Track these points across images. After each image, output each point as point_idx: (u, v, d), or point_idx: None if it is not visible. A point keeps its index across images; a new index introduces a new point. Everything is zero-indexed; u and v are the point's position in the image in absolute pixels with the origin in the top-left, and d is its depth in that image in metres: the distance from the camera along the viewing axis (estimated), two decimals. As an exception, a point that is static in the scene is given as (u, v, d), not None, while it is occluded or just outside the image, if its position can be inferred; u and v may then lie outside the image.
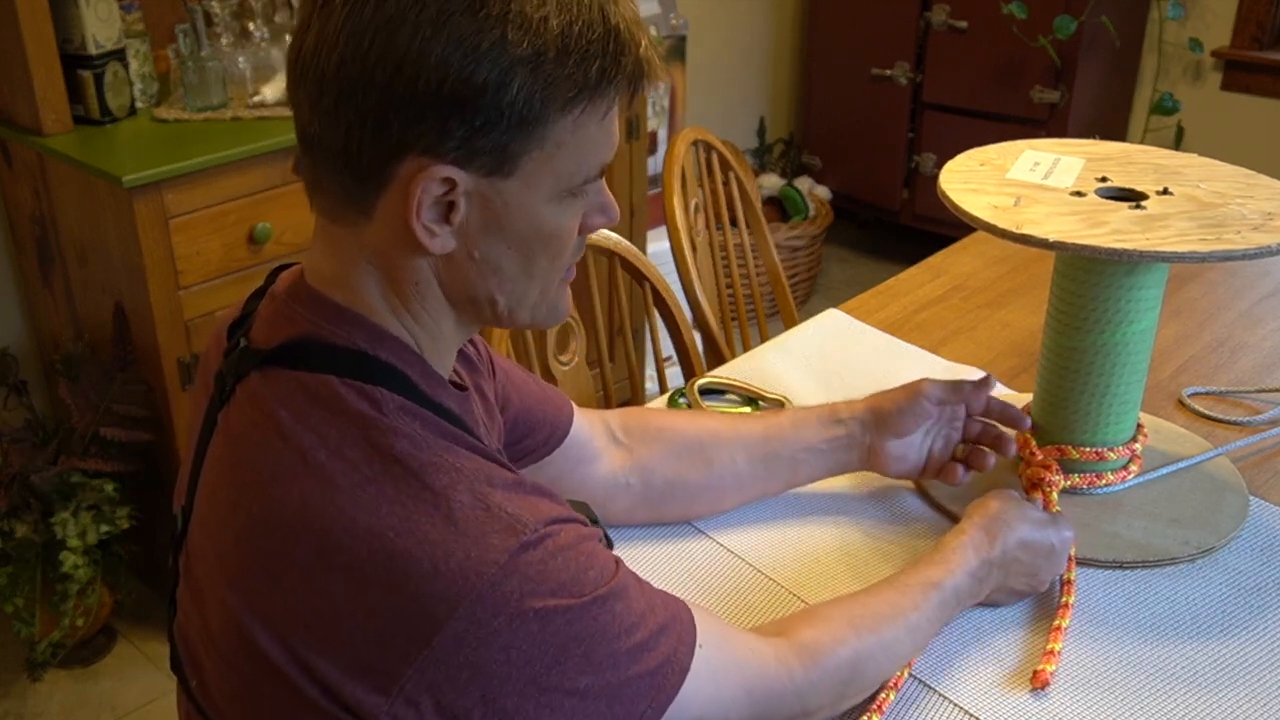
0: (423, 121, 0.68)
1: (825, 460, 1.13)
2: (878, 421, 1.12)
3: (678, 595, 0.80)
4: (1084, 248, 1.01)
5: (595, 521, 0.83)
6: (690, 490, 1.11)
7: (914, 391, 1.12)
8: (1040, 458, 1.13)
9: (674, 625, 0.76)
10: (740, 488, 1.13)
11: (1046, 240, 1.02)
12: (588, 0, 0.70)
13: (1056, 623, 1.01)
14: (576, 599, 0.70)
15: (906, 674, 0.95)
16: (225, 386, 0.77)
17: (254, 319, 0.79)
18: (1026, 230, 1.03)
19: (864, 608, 0.91)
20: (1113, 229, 1.03)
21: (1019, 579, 1.02)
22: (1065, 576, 1.05)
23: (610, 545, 0.83)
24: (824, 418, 1.13)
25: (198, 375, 0.87)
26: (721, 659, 0.79)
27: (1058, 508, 1.09)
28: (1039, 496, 1.09)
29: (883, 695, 0.92)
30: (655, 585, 0.79)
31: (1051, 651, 0.97)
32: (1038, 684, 0.94)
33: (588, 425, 1.07)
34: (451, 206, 0.72)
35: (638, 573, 0.77)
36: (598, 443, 1.08)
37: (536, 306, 0.79)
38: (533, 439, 1.02)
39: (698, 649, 0.76)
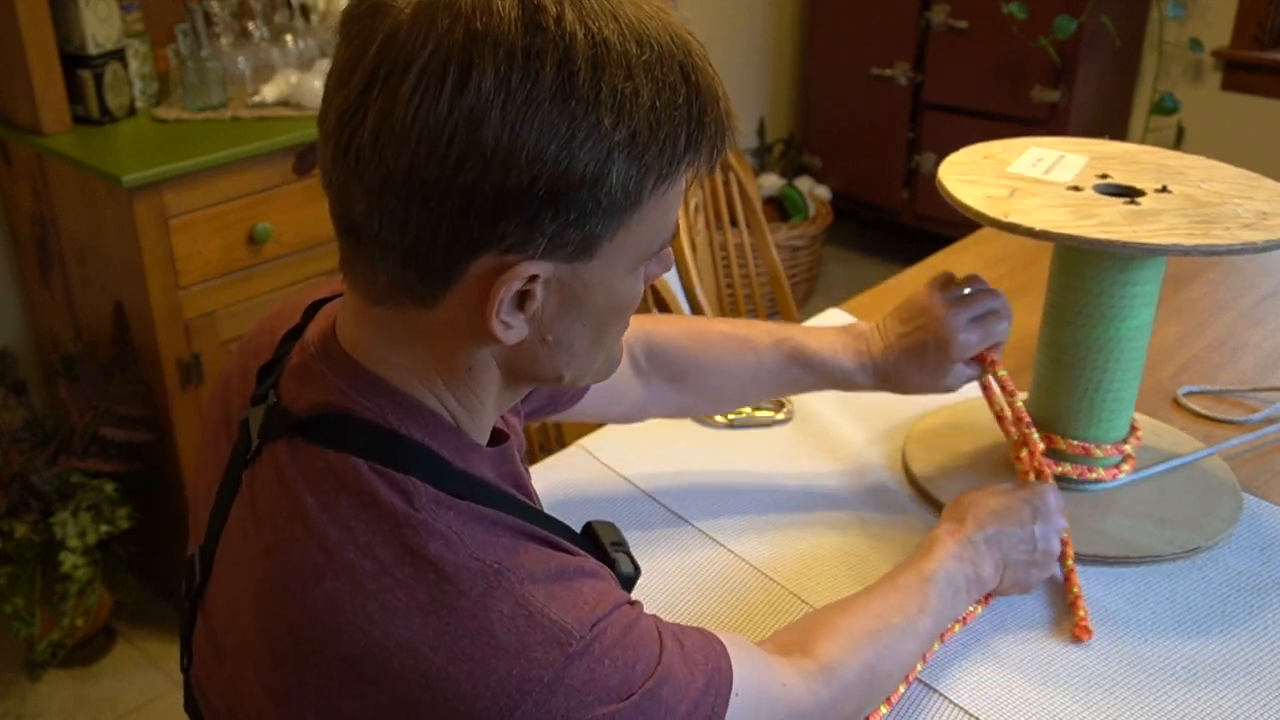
0: (509, 220, 0.63)
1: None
2: (897, 370, 1.11)
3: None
4: (1068, 237, 1.01)
5: (622, 544, 0.81)
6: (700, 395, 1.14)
7: (944, 348, 1.08)
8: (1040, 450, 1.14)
9: (713, 681, 0.73)
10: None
11: (1032, 229, 1.02)
12: (669, 59, 0.65)
13: (1069, 565, 1.05)
14: (625, 700, 0.66)
15: (920, 667, 0.95)
16: (251, 444, 0.73)
17: (284, 367, 0.75)
18: (1013, 219, 1.03)
19: (877, 619, 0.90)
20: (1101, 221, 1.03)
21: (1017, 549, 1.01)
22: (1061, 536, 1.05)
23: (637, 570, 0.81)
24: (839, 371, 1.12)
25: (212, 402, 0.82)
26: (755, 704, 0.77)
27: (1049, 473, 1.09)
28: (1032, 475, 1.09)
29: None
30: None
31: (1076, 597, 1.02)
32: (1081, 636, 1.00)
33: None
34: (527, 295, 0.67)
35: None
36: (619, 383, 1.06)
37: (600, 370, 0.76)
38: (559, 402, 1.02)
39: (733, 697, 0.74)
